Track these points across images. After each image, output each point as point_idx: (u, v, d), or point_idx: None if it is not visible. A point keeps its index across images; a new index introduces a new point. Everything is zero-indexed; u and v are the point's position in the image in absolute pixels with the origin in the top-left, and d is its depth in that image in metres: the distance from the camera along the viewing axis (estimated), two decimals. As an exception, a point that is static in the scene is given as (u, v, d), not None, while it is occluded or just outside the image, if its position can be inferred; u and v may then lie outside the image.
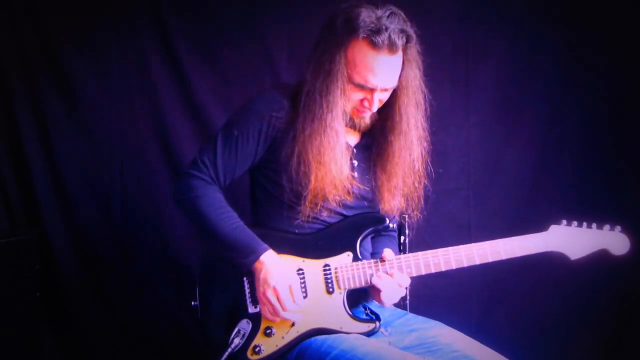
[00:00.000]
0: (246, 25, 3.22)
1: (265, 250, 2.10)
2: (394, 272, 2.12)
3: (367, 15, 2.02)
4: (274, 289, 2.05)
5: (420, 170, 2.26)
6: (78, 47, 3.21)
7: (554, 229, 2.19)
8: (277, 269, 2.08)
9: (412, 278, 2.17)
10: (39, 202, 3.23)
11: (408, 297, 2.48)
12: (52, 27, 3.20)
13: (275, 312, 2.07)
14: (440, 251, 2.15)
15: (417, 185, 2.26)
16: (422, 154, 2.25)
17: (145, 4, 3.21)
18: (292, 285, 2.08)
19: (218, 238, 2.12)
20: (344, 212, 2.21)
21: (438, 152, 2.35)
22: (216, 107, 3.22)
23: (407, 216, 2.37)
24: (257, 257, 2.09)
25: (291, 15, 3.20)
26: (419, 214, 2.30)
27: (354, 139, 2.26)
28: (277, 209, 2.20)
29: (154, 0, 3.20)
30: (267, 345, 2.10)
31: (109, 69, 3.24)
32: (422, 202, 2.29)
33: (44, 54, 3.21)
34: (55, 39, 3.20)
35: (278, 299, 2.05)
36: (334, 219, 2.21)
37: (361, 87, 2.08)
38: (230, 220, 2.13)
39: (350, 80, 2.07)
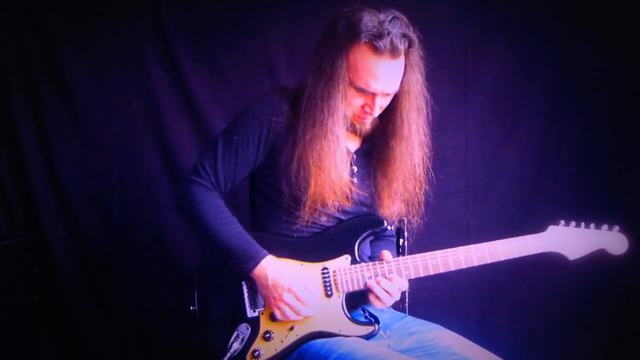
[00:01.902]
0: (246, 28, 3.21)
1: (264, 256, 2.11)
2: (393, 276, 2.12)
3: (369, 20, 2.01)
4: (289, 289, 2.06)
5: (422, 175, 2.25)
6: (77, 50, 3.22)
7: (552, 229, 2.19)
8: (281, 271, 2.09)
9: (411, 280, 2.18)
10: (38, 204, 3.24)
11: (407, 300, 2.48)
12: (52, 29, 3.20)
13: (297, 312, 2.08)
14: (438, 253, 2.15)
15: (417, 191, 2.26)
16: (423, 159, 2.24)
17: (145, 6, 3.21)
18: (302, 280, 2.09)
19: (218, 243, 2.12)
20: (343, 217, 2.21)
21: (437, 155, 2.35)
22: (216, 110, 3.22)
23: (406, 221, 2.37)
24: (257, 263, 2.09)
25: (291, 18, 3.20)
26: (419, 220, 2.30)
27: (354, 144, 2.25)
28: (276, 213, 2.20)
29: (154, 3, 3.20)
30: (267, 349, 2.10)
31: (109, 71, 3.25)
32: (423, 207, 2.29)
33: (44, 55, 3.21)
34: (55, 41, 3.21)
35: (297, 297, 2.07)
36: (332, 224, 2.21)
37: (362, 91, 2.07)
38: (230, 226, 2.13)
39: (351, 84, 2.06)
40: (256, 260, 2.09)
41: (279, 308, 2.09)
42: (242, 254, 2.10)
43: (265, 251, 2.11)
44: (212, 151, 2.16)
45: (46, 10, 3.20)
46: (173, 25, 3.22)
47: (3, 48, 3.19)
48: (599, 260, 2.22)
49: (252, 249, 2.11)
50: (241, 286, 2.16)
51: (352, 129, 2.19)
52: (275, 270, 2.09)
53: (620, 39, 3.17)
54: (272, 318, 2.13)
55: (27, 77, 3.23)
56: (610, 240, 2.18)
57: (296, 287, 2.07)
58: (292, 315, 2.09)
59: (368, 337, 2.11)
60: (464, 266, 2.15)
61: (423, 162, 2.25)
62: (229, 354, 1.99)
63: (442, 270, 2.15)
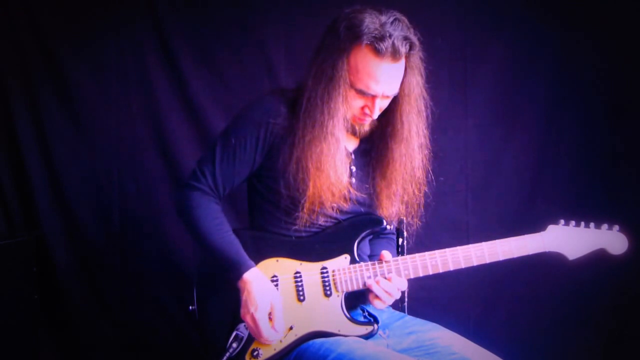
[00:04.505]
0: (245, 29, 3.22)
1: (248, 268, 2.08)
2: (392, 276, 2.12)
3: (370, 22, 2.00)
4: (252, 317, 2.03)
5: (421, 178, 2.25)
6: (77, 50, 3.22)
7: (551, 228, 2.18)
8: (258, 292, 2.05)
9: (410, 280, 2.17)
10: (36, 204, 3.24)
11: (406, 299, 2.48)
12: (52, 29, 3.21)
13: (256, 335, 2.06)
14: (437, 253, 2.14)
15: (417, 192, 2.26)
16: (423, 161, 2.24)
17: (145, 6, 3.22)
18: (274, 310, 2.06)
19: (209, 248, 2.12)
20: (341, 217, 2.21)
21: (436, 155, 2.34)
22: (214, 111, 3.23)
23: (406, 223, 2.36)
24: (240, 275, 2.06)
25: (289, 18, 3.21)
26: (418, 221, 2.30)
27: (352, 144, 2.25)
28: (274, 214, 2.19)
29: (153, 3, 3.21)
30: (266, 349, 2.10)
31: (108, 72, 3.26)
32: (422, 209, 2.28)
33: (43, 56, 3.22)
34: (55, 41, 3.21)
35: (256, 325, 2.04)
36: (330, 224, 2.20)
37: (362, 93, 2.07)
38: (221, 232, 2.13)
39: (352, 86, 2.06)
40: (240, 272, 2.07)
41: (245, 320, 2.06)
42: (227, 262, 2.09)
43: (251, 263, 2.09)
44: (210, 155, 2.16)
45: (46, 11, 3.20)
46: (173, 25, 3.23)
47: (3, 48, 3.20)
48: (598, 260, 2.22)
49: (238, 258, 2.09)
50: (239, 286, 2.15)
51: (350, 130, 2.18)
52: (255, 287, 2.05)
53: (620, 39, 3.17)
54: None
55: (27, 77, 3.23)
56: (610, 239, 2.18)
57: (259, 316, 2.03)
58: (253, 334, 2.06)
59: (367, 336, 2.11)
60: (463, 266, 2.15)
61: (423, 164, 2.24)
62: (228, 354, 1.99)
63: (441, 270, 2.15)
